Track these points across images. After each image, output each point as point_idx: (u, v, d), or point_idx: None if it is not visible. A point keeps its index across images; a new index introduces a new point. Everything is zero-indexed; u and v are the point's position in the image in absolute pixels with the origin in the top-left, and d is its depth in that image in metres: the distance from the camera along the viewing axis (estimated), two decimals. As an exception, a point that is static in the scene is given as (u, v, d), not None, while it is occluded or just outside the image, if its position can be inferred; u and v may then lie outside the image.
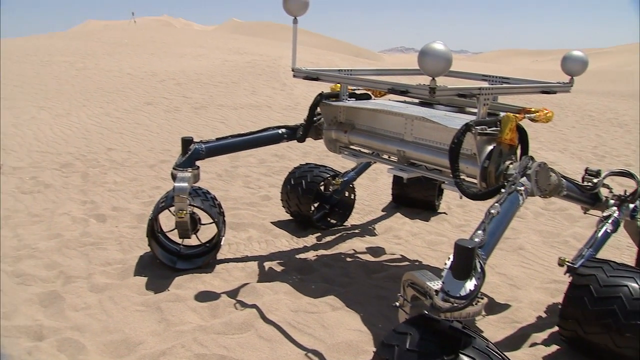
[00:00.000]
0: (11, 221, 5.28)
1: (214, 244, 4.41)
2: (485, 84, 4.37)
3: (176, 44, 23.76)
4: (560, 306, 3.25)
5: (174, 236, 4.37)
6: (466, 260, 2.27)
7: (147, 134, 9.56)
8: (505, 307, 3.91)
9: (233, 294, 3.91)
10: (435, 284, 2.30)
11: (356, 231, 5.27)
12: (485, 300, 2.33)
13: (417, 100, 4.28)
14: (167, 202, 4.26)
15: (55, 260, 4.42)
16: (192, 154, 4.22)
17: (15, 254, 4.51)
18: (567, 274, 3.34)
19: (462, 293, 2.23)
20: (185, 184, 4.00)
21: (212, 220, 4.29)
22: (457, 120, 3.39)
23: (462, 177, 3.30)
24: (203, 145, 4.29)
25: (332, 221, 5.36)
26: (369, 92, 4.59)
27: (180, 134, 9.29)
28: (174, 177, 4.12)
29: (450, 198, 6.03)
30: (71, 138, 9.11)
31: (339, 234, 5.18)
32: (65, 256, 4.52)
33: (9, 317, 3.52)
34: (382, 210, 5.90)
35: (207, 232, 4.54)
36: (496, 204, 2.73)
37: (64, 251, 4.61)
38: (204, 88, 13.73)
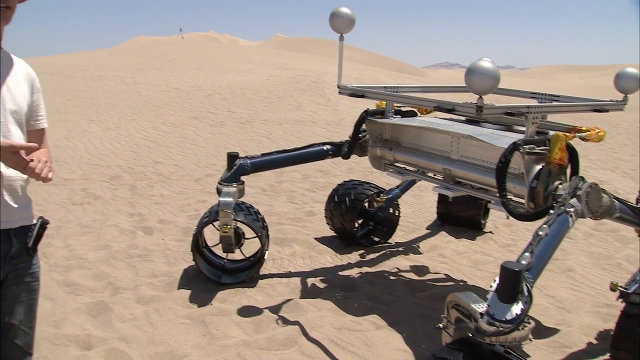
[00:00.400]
0: (62, 231, 5.43)
1: (258, 258, 4.43)
2: (534, 102, 4.29)
3: (222, 60, 24.13)
4: (612, 334, 3.14)
5: (219, 250, 4.41)
6: (513, 283, 2.21)
7: (193, 147, 9.71)
8: (554, 331, 3.80)
9: (276, 309, 3.92)
10: (480, 307, 2.25)
11: (400, 249, 5.22)
12: (532, 324, 2.26)
13: (463, 118, 4.24)
14: (210, 217, 4.31)
15: (103, 271, 4.53)
16: (237, 169, 4.26)
17: (65, 264, 4.64)
18: (620, 300, 3.22)
19: (508, 317, 2.17)
20: (230, 199, 4.04)
21: (255, 235, 4.32)
22: (505, 139, 3.35)
23: (509, 196, 3.24)
24: (248, 161, 4.33)
25: (376, 238, 5.33)
26: (415, 109, 4.57)
27: (226, 148, 9.41)
28: (219, 192, 4.17)
29: (496, 217, 5.92)
30: (120, 151, 9.34)
31: (383, 251, 5.15)
32: (113, 267, 4.62)
33: (59, 326, 3.62)
34: (427, 228, 5.84)
35: (251, 246, 4.57)
36: (544, 226, 2.65)
37: (112, 262, 4.72)
38: (249, 103, 13.89)
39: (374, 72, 23.13)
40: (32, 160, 1.95)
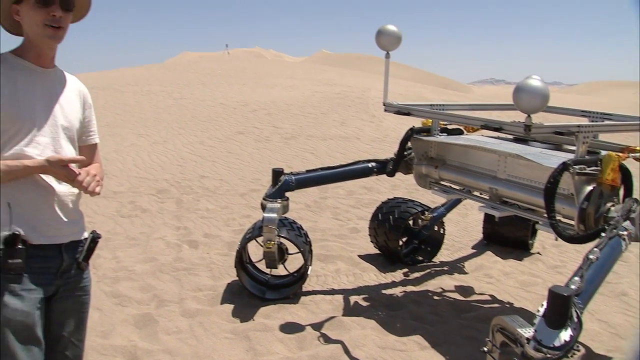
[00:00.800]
0: (110, 243, 5.56)
1: (302, 274, 4.44)
2: (585, 121, 4.21)
3: (267, 75, 24.36)
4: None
5: (262, 266, 4.44)
6: (561, 308, 2.16)
7: (239, 162, 9.83)
8: (606, 358, 3.67)
9: (320, 326, 3.91)
10: (527, 332, 2.19)
11: (445, 268, 5.15)
12: (582, 351, 2.20)
13: (511, 136, 4.18)
14: (253, 233, 4.35)
15: (150, 283, 4.61)
16: (282, 185, 4.30)
17: (113, 275, 4.75)
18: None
19: (556, 343, 2.11)
20: (274, 215, 4.07)
21: (298, 250, 4.33)
22: (554, 159, 3.29)
23: (558, 218, 3.17)
24: (293, 177, 4.37)
25: (421, 257, 5.27)
26: (461, 127, 4.53)
27: (270, 163, 9.48)
28: (263, 208, 4.20)
29: (544, 237, 5.77)
30: (167, 165, 9.53)
31: (428, 270, 5.09)
32: (160, 280, 4.70)
33: (106, 336, 3.70)
34: (473, 248, 5.74)
35: (294, 262, 4.59)
36: (595, 249, 2.58)
37: (158, 275, 4.80)
38: (294, 118, 13.97)
39: (418, 89, 23.02)
40: (80, 174, 2.01)
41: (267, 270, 4.48)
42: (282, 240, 4.29)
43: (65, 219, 2.12)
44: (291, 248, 4.39)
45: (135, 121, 13.87)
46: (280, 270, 4.53)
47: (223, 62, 34.52)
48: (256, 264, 4.60)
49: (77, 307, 2.23)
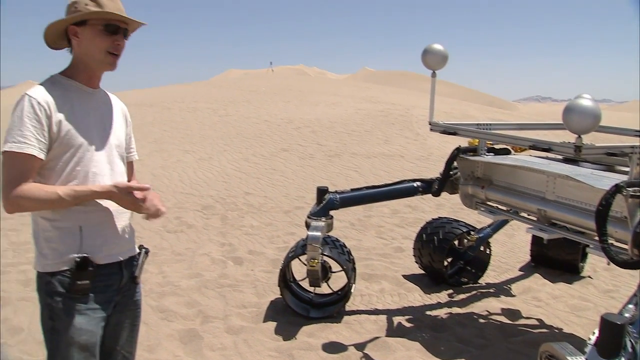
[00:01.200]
0: (157, 258, 5.66)
1: (345, 292, 4.43)
2: (638, 141, 4.09)
3: (311, 92, 24.48)
4: None
5: (306, 284, 4.45)
6: (614, 337, 2.08)
7: (283, 179, 9.89)
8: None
9: (364, 346, 3.89)
10: (577, 360, 2.14)
11: (491, 290, 5.05)
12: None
13: (560, 156, 4.10)
14: (296, 251, 4.36)
15: (195, 299, 4.67)
16: (326, 203, 4.31)
17: (159, 290, 4.83)
18: None
19: (609, 375, 2.05)
20: (318, 233, 4.08)
21: (341, 268, 4.32)
22: (606, 180, 3.21)
23: (610, 241, 3.08)
24: (337, 196, 4.37)
25: (466, 278, 5.19)
26: (509, 147, 4.47)
27: (314, 181, 9.52)
28: (307, 226, 4.21)
29: (595, 260, 5.60)
30: (212, 181, 9.66)
31: (474, 291, 5.00)
32: (204, 296, 4.76)
33: (152, 350, 3.76)
34: (520, 270, 5.60)
35: (339, 280, 4.57)
36: (652, 275, 2.51)
37: (203, 291, 4.86)
38: (338, 136, 14.01)
39: (463, 106, 22.79)
40: (143, 200, 2.05)
41: (311, 289, 4.49)
42: (326, 258, 4.29)
43: (125, 236, 2.19)
44: (335, 266, 4.39)
45: (181, 137, 14.12)
46: (324, 289, 4.52)
47: (267, 79, 34.88)
48: (300, 283, 4.61)
49: (130, 320, 2.29)
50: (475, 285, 5.15)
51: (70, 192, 1.93)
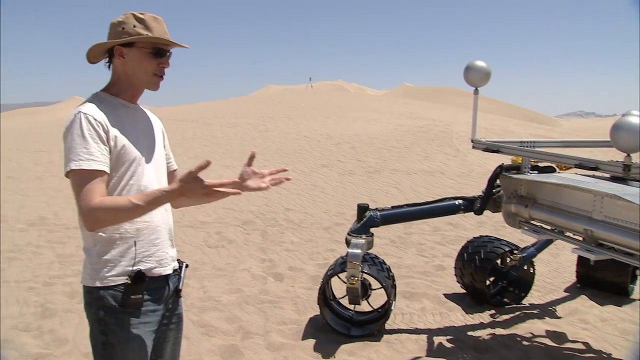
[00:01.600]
0: (198, 273, 5.73)
1: (386, 310, 4.40)
2: None
3: (350, 108, 24.52)
4: None
5: (346, 301, 4.42)
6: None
7: (323, 196, 9.92)
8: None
9: (404, 366, 3.85)
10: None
11: (535, 311, 4.91)
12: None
13: (607, 175, 4.00)
14: (335, 269, 4.35)
15: (235, 315, 4.70)
16: (367, 221, 4.29)
17: (200, 305, 4.88)
18: None
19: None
20: (359, 251, 4.07)
21: (380, 286, 4.28)
22: (657, 200, 3.12)
23: (662, 264, 2.99)
24: (378, 213, 4.35)
25: (509, 299, 5.07)
26: (553, 165, 4.39)
27: (354, 197, 9.52)
28: (348, 243, 4.21)
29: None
30: (252, 197, 9.72)
31: (517, 312, 4.88)
32: (245, 312, 4.79)
33: (193, 366, 3.80)
34: (565, 290, 5.44)
35: (380, 298, 4.53)
36: None
37: (243, 306, 4.89)
38: (378, 152, 13.99)
39: (503, 122, 22.51)
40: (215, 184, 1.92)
41: (351, 306, 4.47)
42: (365, 276, 4.27)
43: (171, 249, 2.22)
44: (374, 283, 4.37)
45: (222, 153, 14.28)
46: (364, 306, 4.50)
47: (306, 95, 35.09)
48: (340, 300, 4.60)
49: (173, 333, 2.31)
50: (519, 305, 5.03)
51: (143, 197, 1.92)
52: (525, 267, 5.09)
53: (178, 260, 2.33)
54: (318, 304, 4.38)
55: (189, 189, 1.89)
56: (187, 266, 2.36)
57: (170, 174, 2.41)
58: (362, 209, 4.36)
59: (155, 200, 1.92)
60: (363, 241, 4.17)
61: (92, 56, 2.17)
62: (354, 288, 4.11)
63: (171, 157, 2.43)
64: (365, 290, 4.33)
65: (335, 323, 4.41)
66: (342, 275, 4.28)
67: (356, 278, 4.05)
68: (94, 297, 2.05)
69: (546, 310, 4.94)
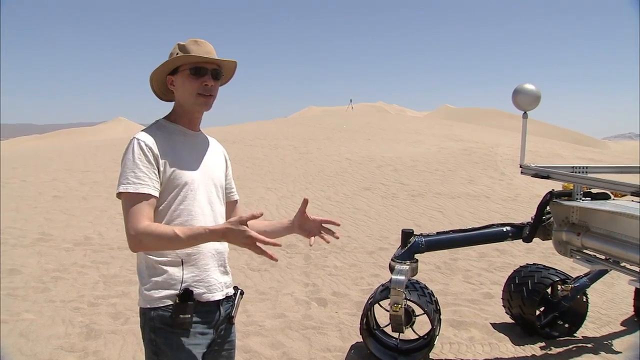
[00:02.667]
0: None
1: (430, 337, 4.28)
2: None
3: (391, 130, 24.48)
4: None
5: (390, 329, 4.33)
6: None
7: (366, 219, 9.84)
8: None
9: (454, 399, 3.74)
10: None
11: (589, 345, 4.70)
12: None
13: None
14: (375, 297, 4.28)
15: (279, 340, 4.67)
16: (411, 247, 4.22)
17: (244, 330, 4.86)
18: None
19: None
20: (403, 277, 3.98)
21: (423, 312, 4.16)
22: None
23: None
24: (423, 239, 4.27)
25: (560, 331, 4.85)
26: (608, 191, 4.25)
27: (397, 221, 9.43)
28: (391, 269, 4.13)
29: None
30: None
31: (571, 345, 4.68)
32: (289, 337, 4.75)
33: (238, 392, 3.77)
34: (622, 324, 5.17)
35: (425, 325, 4.44)
36: None
37: (287, 332, 4.86)
38: (421, 175, 13.87)
39: (549, 145, 22.11)
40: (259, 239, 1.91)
41: (395, 334, 4.38)
42: (408, 302, 4.17)
43: (223, 275, 2.24)
44: (417, 309, 4.27)
45: (263, 174, 14.40)
46: (410, 334, 4.41)
47: (347, 116, 35.16)
48: (384, 329, 4.52)
49: None
50: (572, 338, 4.83)
51: (186, 231, 1.95)
52: (580, 299, 4.84)
53: (235, 287, 2.34)
54: (360, 334, 4.32)
55: (232, 233, 1.89)
56: (242, 293, 2.36)
57: (231, 204, 2.45)
58: (407, 234, 4.28)
59: (197, 236, 1.95)
60: (407, 267, 4.08)
61: (161, 92, 2.28)
62: (397, 315, 4.02)
63: (233, 187, 2.47)
64: (409, 317, 4.24)
65: (380, 353, 4.33)
66: (384, 303, 4.21)
67: (399, 305, 3.98)
68: (146, 319, 2.10)
69: (601, 344, 4.73)
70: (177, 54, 2.14)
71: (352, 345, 4.57)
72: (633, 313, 5.29)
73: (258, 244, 1.88)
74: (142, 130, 2.15)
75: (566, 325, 4.87)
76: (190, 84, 2.14)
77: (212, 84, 2.16)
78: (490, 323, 5.09)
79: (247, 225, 1.88)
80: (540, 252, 7.46)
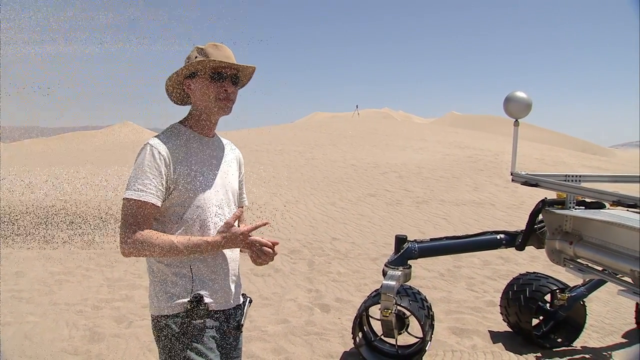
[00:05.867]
0: (244, 302, 5.74)
1: (423, 342, 4.22)
2: None
3: (397, 136, 24.34)
4: None
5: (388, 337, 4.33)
6: None
7: (370, 226, 9.85)
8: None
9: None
10: None
11: (587, 355, 4.61)
12: None
13: None
14: (366, 303, 4.31)
15: (281, 346, 4.69)
16: (404, 252, 4.21)
17: (247, 335, 4.84)
18: None
19: None
20: (393, 283, 3.98)
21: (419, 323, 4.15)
22: None
23: None
24: (416, 245, 4.26)
25: (551, 343, 4.77)
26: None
27: (402, 228, 9.44)
28: (384, 274, 4.14)
29: None
30: (299, 225, 9.76)
31: (571, 355, 4.61)
32: (291, 343, 4.77)
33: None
34: (625, 334, 5.07)
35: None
36: None
37: (289, 337, 4.87)
38: (425, 182, 13.86)
39: (555, 152, 22.02)
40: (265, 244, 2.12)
41: (392, 341, 4.37)
42: (400, 308, 4.16)
43: (234, 284, 2.27)
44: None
45: (268, 180, 14.34)
46: (409, 339, 4.42)
47: (353, 122, 34.96)
48: (382, 338, 4.50)
49: None
50: (572, 348, 4.75)
51: (184, 242, 2.01)
52: (577, 309, 4.78)
53: (243, 294, 2.38)
54: (356, 347, 4.34)
55: (228, 240, 2.02)
56: (250, 301, 2.40)
57: (240, 209, 2.45)
58: (400, 240, 4.27)
59: (195, 248, 2.03)
60: (399, 273, 4.07)
61: (178, 98, 2.30)
62: (387, 321, 4.03)
63: (244, 192, 2.49)
64: (402, 322, 4.24)
65: (372, 358, 4.35)
66: (376, 308, 4.21)
67: (390, 310, 3.97)
68: (160, 326, 2.12)
69: (600, 355, 4.64)
70: (196, 57, 2.15)
71: (354, 352, 4.57)
72: (635, 325, 5.12)
73: (251, 238, 2.06)
74: (156, 136, 2.16)
75: (560, 337, 4.82)
76: (208, 88, 2.15)
77: (232, 89, 2.19)
78: (493, 331, 5.07)
79: (236, 226, 1.99)
80: (544, 260, 7.36)
